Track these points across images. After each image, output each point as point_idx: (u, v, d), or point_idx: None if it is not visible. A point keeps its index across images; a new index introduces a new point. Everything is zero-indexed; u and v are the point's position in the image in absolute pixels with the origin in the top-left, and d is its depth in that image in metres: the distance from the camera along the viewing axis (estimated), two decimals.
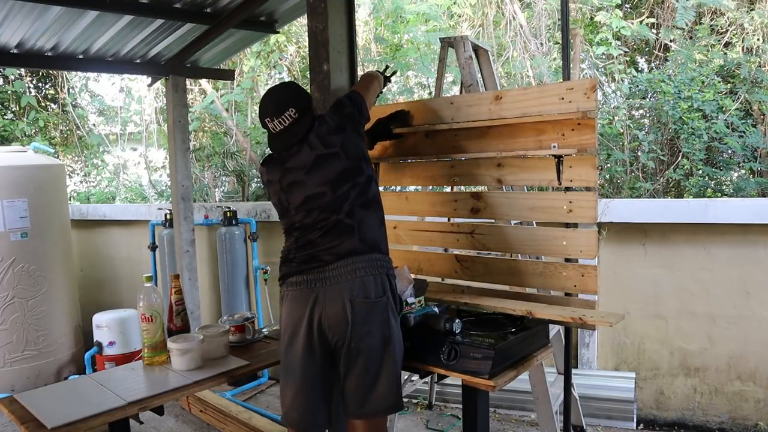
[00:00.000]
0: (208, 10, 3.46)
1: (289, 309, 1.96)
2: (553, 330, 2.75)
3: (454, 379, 1.93)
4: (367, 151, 2.08)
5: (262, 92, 7.05)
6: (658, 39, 5.97)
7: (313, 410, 1.96)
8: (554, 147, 2.09)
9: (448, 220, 2.68)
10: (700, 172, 4.88)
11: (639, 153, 4.99)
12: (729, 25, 5.58)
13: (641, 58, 6.49)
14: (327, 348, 1.92)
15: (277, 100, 2.00)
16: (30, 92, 7.50)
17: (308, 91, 2.16)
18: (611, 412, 3.36)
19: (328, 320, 1.88)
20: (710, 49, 5.55)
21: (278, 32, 4.18)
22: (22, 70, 7.18)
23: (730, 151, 5.02)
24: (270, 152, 2.13)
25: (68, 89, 7.84)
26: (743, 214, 3.17)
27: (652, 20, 5.92)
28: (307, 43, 2.90)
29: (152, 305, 2.12)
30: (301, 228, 1.99)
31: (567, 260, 2.18)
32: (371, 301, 1.87)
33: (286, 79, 7.38)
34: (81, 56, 3.96)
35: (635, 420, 3.36)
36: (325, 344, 1.91)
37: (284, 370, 2.00)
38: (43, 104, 7.65)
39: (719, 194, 4.72)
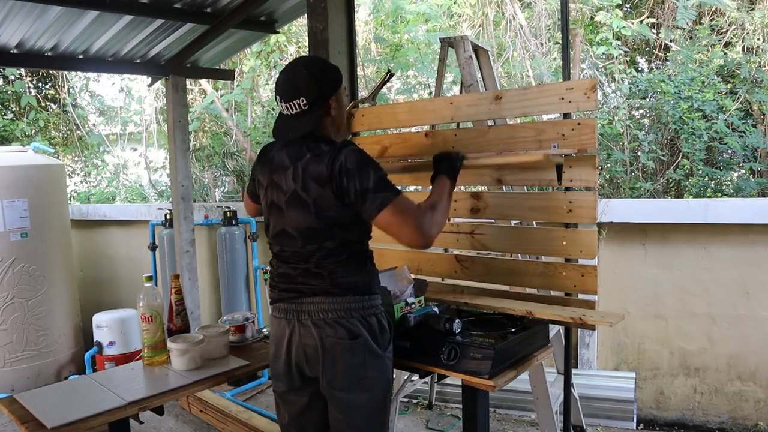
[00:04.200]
0: (208, 10, 3.46)
1: (272, 335, 1.89)
2: (553, 330, 2.75)
3: (454, 379, 1.92)
4: (347, 216, 1.73)
5: (262, 92, 7.07)
6: (658, 39, 5.97)
7: None
8: (554, 147, 2.09)
9: (448, 220, 2.68)
10: (700, 172, 4.88)
11: (639, 153, 5.00)
12: (729, 25, 5.59)
13: (641, 58, 6.49)
14: (308, 380, 1.83)
15: (292, 82, 1.77)
16: (30, 92, 7.50)
17: (337, 71, 1.87)
18: (611, 412, 3.35)
19: (305, 355, 1.79)
20: (710, 49, 5.55)
21: (278, 32, 4.18)
22: (22, 70, 7.18)
23: (730, 151, 5.02)
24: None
25: (68, 89, 7.85)
26: (743, 214, 3.17)
27: (653, 20, 5.92)
28: (307, 43, 2.90)
29: (152, 305, 2.12)
30: (277, 257, 1.88)
31: (567, 260, 2.17)
32: (343, 342, 1.73)
33: None
34: (81, 56, 3.96)
35: (635, 420, 3.36)
36: (306, 377, 1.83)
37: (274, 386, 1.95)
38: (43, 104, 7.65)
39: (719, 194, 4.71)
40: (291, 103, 1.76)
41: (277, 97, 1.80)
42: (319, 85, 1.77)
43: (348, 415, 1.78)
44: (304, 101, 1.74)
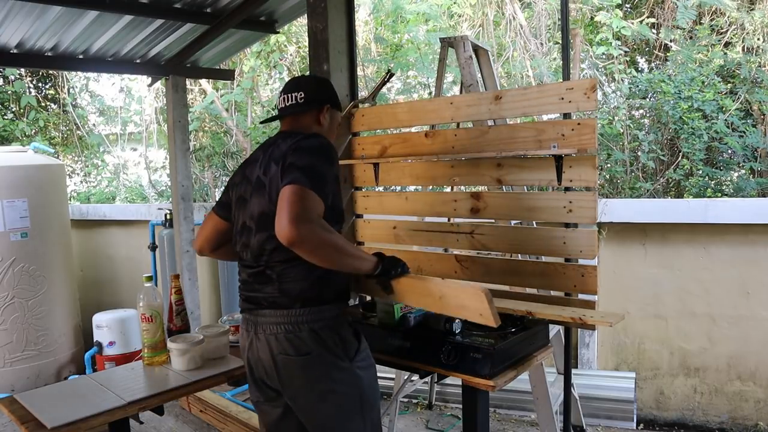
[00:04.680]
0: (208, 10, 3.46)
1: (240, 345, 1.83)
2: (553, 330, 2.74)
3: (454, 379, 1.92)
4: None
5: (262, 92, 7.08)
6: (658, 39, 5.97)
7: None
8: (554, 147, 2.09)
9: (448, 220, 2.68)
10: (700, 172, 4.88)
11: (639, 153, 5.00)
12: (729, 25, 5.59)
13: (641, 58, 6.49)
14: (277, 391, 1.74)
15: (297, 82, 1.88)
16: (30, 92, 7.51)
17: (334, 94, 1.90)
18: (611, 412, 3.35)
19: (264, 370, 1.71)
20: (710, 49, 5.55)
21: (278, 32, 4.18)
22: (22, 70, 7.18)
23: (730, 151, 5.03)
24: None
25: (68, 89, 7.85)
26: (743, 214, 3.17)
27: (653, 20, 5.92)
28: (307, 43, 2.90)
29: (152, 305, 2.12)
30: (240, 261, 1.80)
31: (567, 260, 2.17)
32: (291, 357, 1.64)
33: (286, 79, 7.38)
34: (81, 56, 3.96)
35: (635, 420, 3.35)
36: (274, 389, 1.75)
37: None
38: (43, 104, 7.65)
39: (719, 194, 4.72)
40: (289, 95, 1.81)
41: (280, 94, 1.85)
42: (319, 89, 1.86)
43: (321, 430, 1.70)
44: (302, 95, 1.80)
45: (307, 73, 3.05)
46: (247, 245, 1.74)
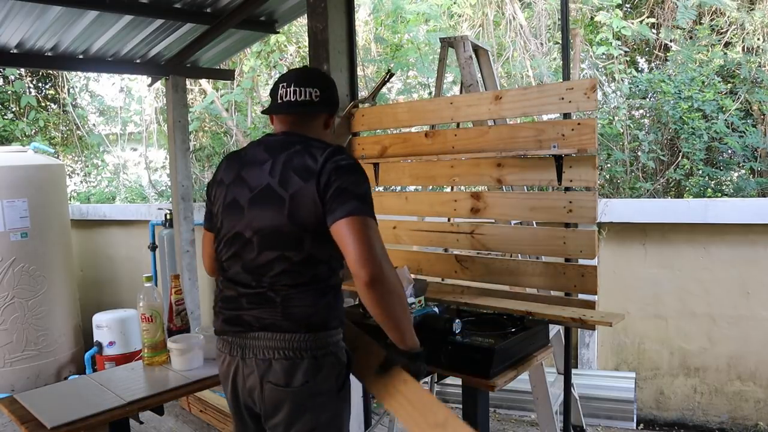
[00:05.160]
0: (208, 10, 3.46)
1: (219, 371, 1.69)
2: (553, 330, 2.74)
3: (454, 379, 1.92)
4: (324, 224, 1.47)
5: (262, 92, 7.07)
6: (658, 39, 5.97)
7: None
8: (554, 147, 2.09)
9: (448, 220, 2.68)
10: (700, 172, 4.88)
11: (639, 153, 4.99)
12: (729, 25, 5.59)
13: (641, 58, 6.49)
14: (257, 417, 1.63)
15: (309, 74, 1.65)
16: (30, 92, 7.50)
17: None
18: (611, 412, 3.35)
19: (250, 395, 1.58)
20: (710, 49, 5.55)
21: (278, 32, 4.18)
22: (22, 70, 7.18)
23: (730, 151, 5.02)
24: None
25: (68, 89, 7.85)
26: (743, 214, 3.17)
27: (653, 20, 5.92)
28: (307, 43, 2.90)
29: (152, 305, 2.12)
30: (223, 274, 1.65)
31: (567, 260, 2.17)
32: (281, 388, 1.51)
33: None
34: (81, 56, 3.96)
35: (635, 420, 3.35)
36: (254, 415, 1.64)
37: None
38: (43, 104, 7.65)
39: (719, 194, 4.72)
40: (302, 89, 1.57)
41: (282, 83, 1.61)
42: (332, 88, 1.68)
43: None
44: (317, 93, 1.59)
45: None
46: (239, 258, 1.56)
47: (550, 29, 6.28)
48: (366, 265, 1.38)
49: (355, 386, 1.72)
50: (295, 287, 1.51)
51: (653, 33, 5.84)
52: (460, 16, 6.50)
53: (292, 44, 6.78)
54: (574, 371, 3.41)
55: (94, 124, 8.45)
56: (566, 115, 2.15)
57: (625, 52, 5.91)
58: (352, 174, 1.48)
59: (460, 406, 2.00)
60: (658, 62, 6.21)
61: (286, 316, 1.51)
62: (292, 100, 1.58)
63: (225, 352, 1.62)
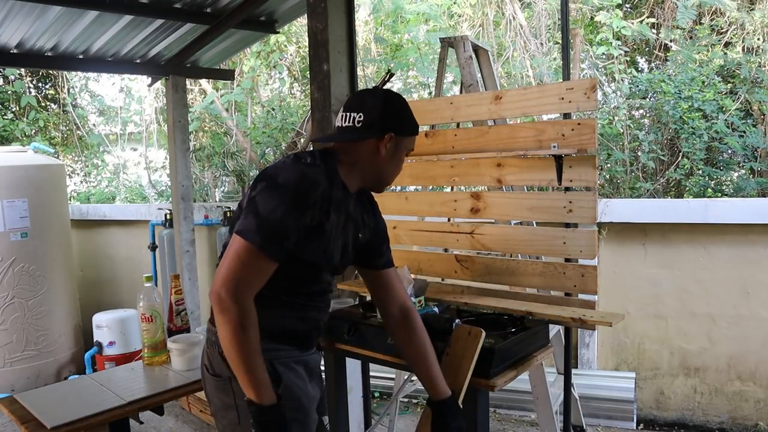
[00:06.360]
0: (208, 10, 3.46)
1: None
2: (553, 330, 2.74)
3: None
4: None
5: (262, 92, 7.08)
6: (658, 39, 5.97)
7: None
8: (554, 147, 2.09)
9: (448, 220, 2.68)
10: (701, 172, 4.88)
11: (639, 153, 4.99)
12: (729, 25, 5.59)
13: (641, 58, 6.49)
14: None
15: (361, 99, 1.56)
16: (30, 92, 7.51)
17: (414, 123, 1.60)
18: (611, 412, 3.35)
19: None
20: (710, 49, 5.56)
21: (278, 32, 4.18)
22: (22, 70, 7.18)
23: (730, 151, 5.03)
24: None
25: (68, 89, 7.85)
26: (743, 214, 3.17)
27: (653, 20, 5.92)
28: (307, 43, 2.90)
29: (152, 305, 2.12)
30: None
31: (567, 260, 2.17)
32: (209, 375, 1.55)
33: (286, 80, 7.39)
34: (81, 56, 3.96)
35: (635, 420, 3.35)
36: None
37: None
38: (43, 104, 7.66)
39: (719, 194, 4.72)
40: (348, 114, 1.52)
41: (340, 112, 1.57)
42: (385, 110, 1.51)
43: None
44: (361, 117, 1.50)
45: (306, 73, 3.02)
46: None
47: (550, 29, 6.29)
48: (216, 282, 1.33)
49: (356, 386, 1.72)
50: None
51: (653, 33, 5.84)
52: (460, 16, 6.50)
53: (292, 44, 6.79)
54: (574, 371, 3.41)
55: (94, 124, 8.46)
56: (566, 115, 2.15)
57: (625, 52, 5.92)
58: (272, 190, 1.37)
59: None
60: (658, 62, 6.21)
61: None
62: (339, 125, 1.55)
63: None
